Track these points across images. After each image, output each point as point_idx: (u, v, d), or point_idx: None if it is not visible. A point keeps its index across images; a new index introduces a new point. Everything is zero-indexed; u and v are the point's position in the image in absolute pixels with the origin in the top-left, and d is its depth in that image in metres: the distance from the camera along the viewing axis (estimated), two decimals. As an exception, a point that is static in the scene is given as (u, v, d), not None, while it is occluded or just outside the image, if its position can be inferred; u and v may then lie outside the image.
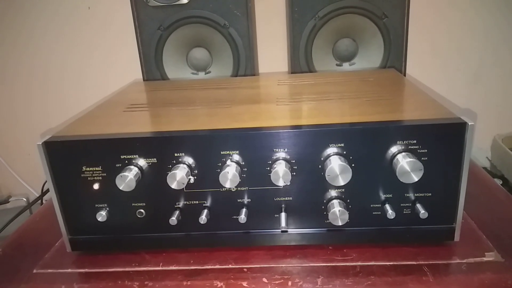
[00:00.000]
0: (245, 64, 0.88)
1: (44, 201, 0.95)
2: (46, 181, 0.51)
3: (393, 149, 0.48)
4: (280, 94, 0.67)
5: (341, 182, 0.48)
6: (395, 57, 0.87)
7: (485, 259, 0.50)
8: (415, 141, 0.47)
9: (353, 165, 0.48)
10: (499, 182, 0.89)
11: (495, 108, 1.00)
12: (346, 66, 0.90)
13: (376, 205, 0.51)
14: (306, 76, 0.81)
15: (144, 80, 0.91)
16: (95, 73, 1.03)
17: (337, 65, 0.90)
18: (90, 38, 1.00)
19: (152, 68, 0.89)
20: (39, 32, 0.99)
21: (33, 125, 1.06)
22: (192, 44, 0.89)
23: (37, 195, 0.95)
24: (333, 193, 0.51)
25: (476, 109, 1.00)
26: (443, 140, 0.47)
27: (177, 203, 0.52)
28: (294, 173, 0.50)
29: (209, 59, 0.90)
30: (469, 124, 0.46)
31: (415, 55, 0.93)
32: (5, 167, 1.10)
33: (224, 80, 0.84)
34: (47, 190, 0.92)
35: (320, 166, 0.49)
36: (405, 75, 0.88)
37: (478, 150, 1.01)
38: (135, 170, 0.49)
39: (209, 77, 0.91)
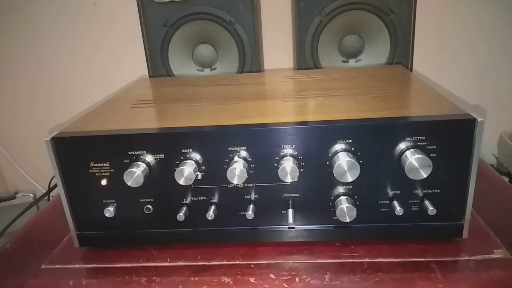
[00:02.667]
0: (250, 60, 0.88)
1: (51, 197, 0.95)
2: (53, 177, 0.52)
3: (402, 146, 0.48)
4: (286, 90, 0.66)
5: (349, 178, 0.47)
6: (401, 54, 0.86)
7: (493, 256, 0.50)
8: (423, 138, 0.47)
9: (361, 161, 0.48)
10: (505, 179, 0.88)
11: (501, 104, 1.00)
12: (352, 62, 0.89)
13: (384, 202, 0.51)
14: (313, 72, 0.81)
15: (150, 76, 0.91)
16: (101, 70, 1.03)
17: (343, 61, 0.89)
18: (96, 34, 1.00)
19: (158, 65, 0.89)
20: (45, 29, 1.00)
21: (39, 122, 1.07)
22: (198, 41, 0.89)
23: (44, 191, 0.95)
24: (340, 189, 0.51)
25: (482, 105, 1.00)
26: (452, 136, 0.47)
27: (184, 199, 0.52)
28: (302, 170, 0.49)
29: (215, 56, 0.90)
30: (479, 120, 0.46)
31: (422, 52, 0.93)
32: (12, 163, 1.10)
33: (230, 76, 0.84)
34: (54, 186, 0.92)
35: (328, 163, 0.49)
36: (411, 72, 0.88)
37: (485, 147, 1.01)
38: (142, 166, 0.49)
39: (215, 73, 0.91)
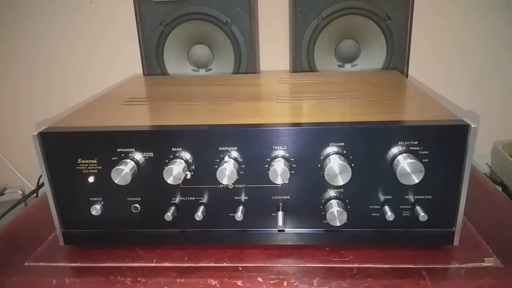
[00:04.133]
0: (246, 62, 0.87)
1: (39, 194, 0.94)
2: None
3: (394, 150, 0.47)
4: (281, 92, 0.66)
5: (341, 181, 0.47)
6: (397, 59, 0.86)
7: (484, 264, 0.49)
8: (416, 142, 0.47)
9: (353, 165, 0.47)
10: (498, 188, 0.88)
11: (496, 114, 1.00)
12: (348, 67, 0.89)
13: (375, 207, 0.50)
14: (308, 75, 0.81)
15: (144, 75, 0.90)
16: (96, 68, 1.02)
17: (339, 66, 0.89)
18: (92, 32, 0.99)
19: (153, 64, 0.89)
20: (41, 27, 0.99)
21: (32, 118, 1.05)
22: (194, 41, 0.89)
23: (33, 188, 0.94)
24: (332, 193, 0.50)
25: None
26: (445, 142, 0.46)
27: (173, 199, 0.51)
28: (293, 172, 0.49)
29: (210, 56, 0.90)
30: (472, 126, 0.46)
31: (418, 58, 0.93)
32: (1, 159, 1.09)
33: (225, 77, 0.83)
34: (43, 183, 0.91)
35: (319, 165, 0.48)
36: (407, 77, 0.87)
37: (478, 156, 1.01)
38: (131, 163, 0.48)
39: (210, 74, 0.90)
